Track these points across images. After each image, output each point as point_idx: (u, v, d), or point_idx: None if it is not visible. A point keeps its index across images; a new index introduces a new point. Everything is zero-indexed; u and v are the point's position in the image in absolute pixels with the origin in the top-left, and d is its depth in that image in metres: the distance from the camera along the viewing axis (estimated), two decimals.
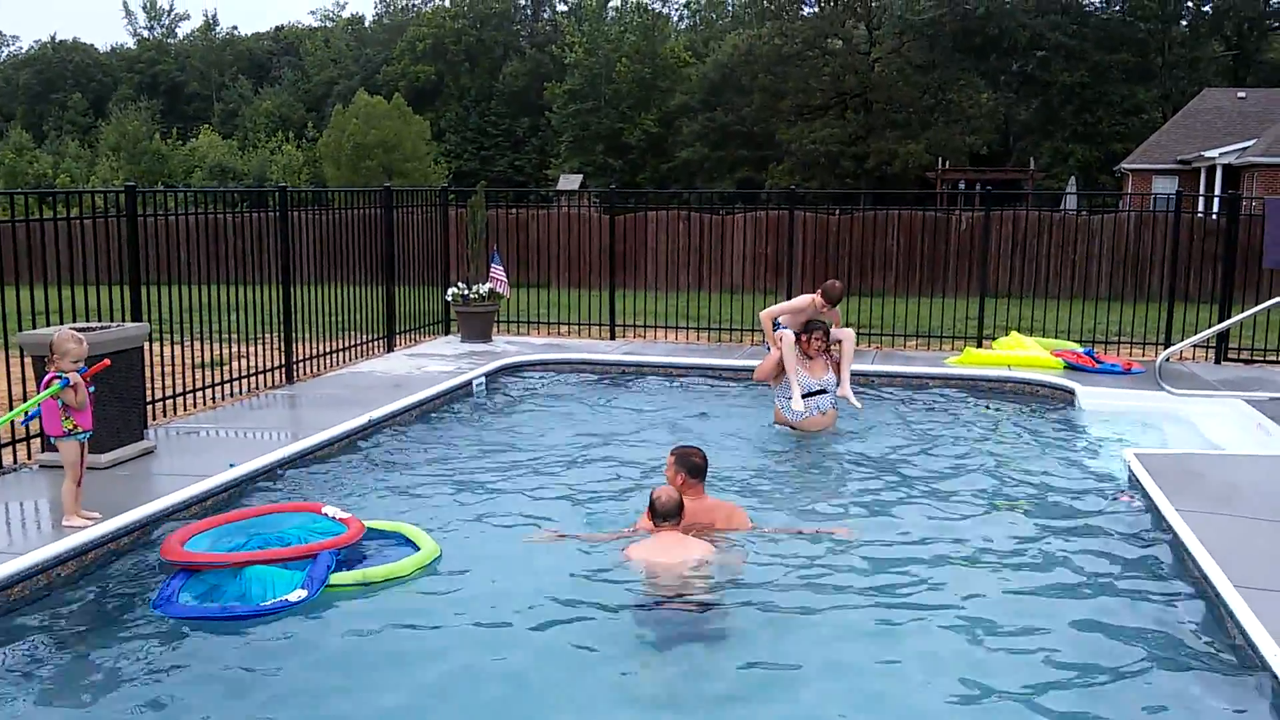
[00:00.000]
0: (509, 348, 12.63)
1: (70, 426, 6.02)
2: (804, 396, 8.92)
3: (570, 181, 44.73)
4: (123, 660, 4.67)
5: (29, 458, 7.28)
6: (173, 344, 9.61)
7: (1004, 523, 6.74)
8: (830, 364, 9.12)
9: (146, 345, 8.00)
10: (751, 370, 10.84)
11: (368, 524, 5.95)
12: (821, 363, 9.07)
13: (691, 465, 6.22)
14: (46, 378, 6.00)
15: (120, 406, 7.27)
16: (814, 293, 9.30)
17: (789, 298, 13.29)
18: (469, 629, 5.05)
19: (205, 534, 5.71)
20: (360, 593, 5.38)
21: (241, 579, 5.29)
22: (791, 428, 8.95)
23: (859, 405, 9.09)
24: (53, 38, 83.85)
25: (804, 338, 8.98)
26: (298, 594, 5.14)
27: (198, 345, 10.13)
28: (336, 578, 5.39)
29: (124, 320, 8.21)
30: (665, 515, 5.80)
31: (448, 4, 73.76)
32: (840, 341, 9.18)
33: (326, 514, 5.95)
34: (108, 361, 6.30)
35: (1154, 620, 5.19)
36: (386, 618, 5.13)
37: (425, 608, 5.27)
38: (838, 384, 9.09)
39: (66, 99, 76.35)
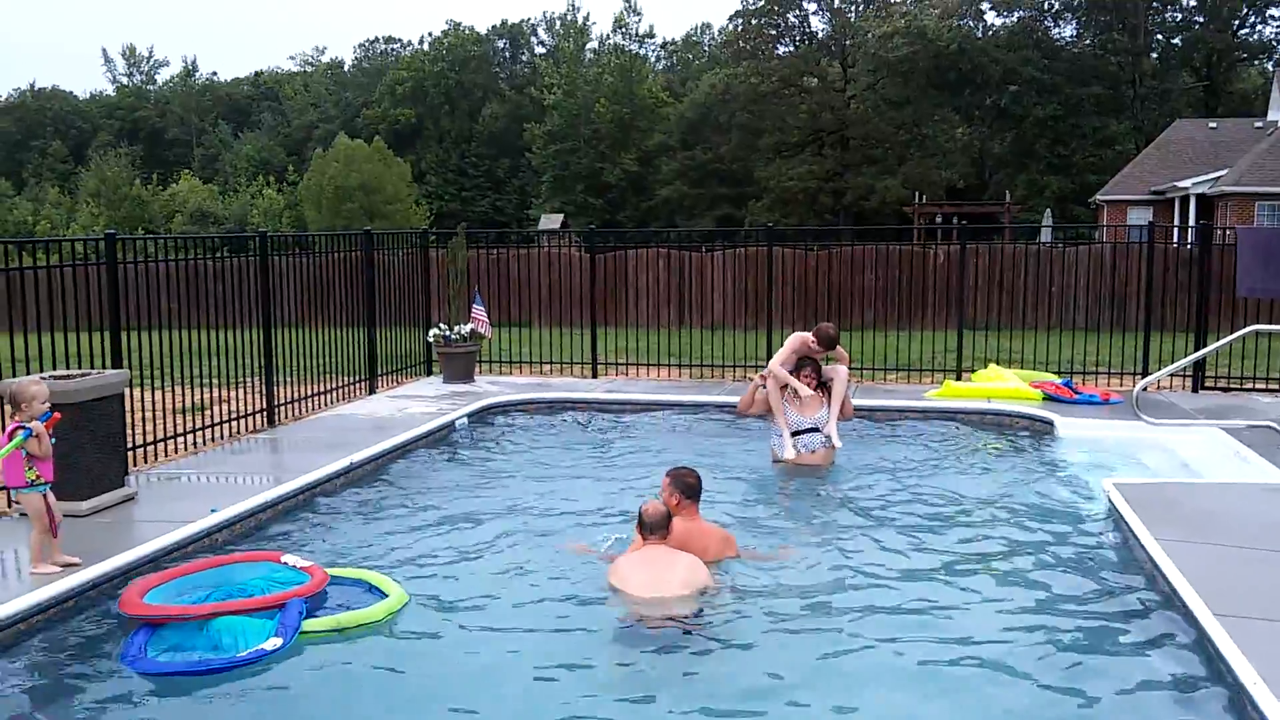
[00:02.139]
0: (491, 388, 12.64)
1: (33, 477, 5.97)
2: (795, 434, 8.97)
3: (551, 221, 44.97)
4: (96, 717, 4.60)
5: (9, 506, 7.23)
6: (154, 389, 9.59)
7: (984, 552, 6.77)
8: (824, 400, 9.15)
9: (127, 391, 7.99)
10: (733, 406, 10.93)
11: (331, 572, 5.88)
12: (816, 400, 9.10)
13: (686, 486, 6.26)
14: (9, 429, 5.96)
15: (101, 453, 7.25)
16: (808, 332, 9.27)
17: (769, 334, 13.40)
18: (446, 673, 5.05)
19: (164, 587, 5.58)
20: (334, 639, 5.31)
21: (210, 630, 5.18)
22: (783, 464, 8.97)
23: (838, 444, 9.12)
24: (31, 85, 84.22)
25: (796, 374, 9.04)
26: (273, 643, 5.06)
27: (179, 390, 10.11)
28: (309, 624, 5.31)
29: (104, 367, 8.20)
30: (652, 527, 5.83)
31: (427, 48, 74.36)
32: (834, 377, 9.22)
33: (286, 563, 5.87)
34: (58, 415, 6.19)
35: (1132, 648, 5.23)
36: (363, 664, 5.10)
37: (401, 653, 5.22)
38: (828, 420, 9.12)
39: (46, 146, 76.45)
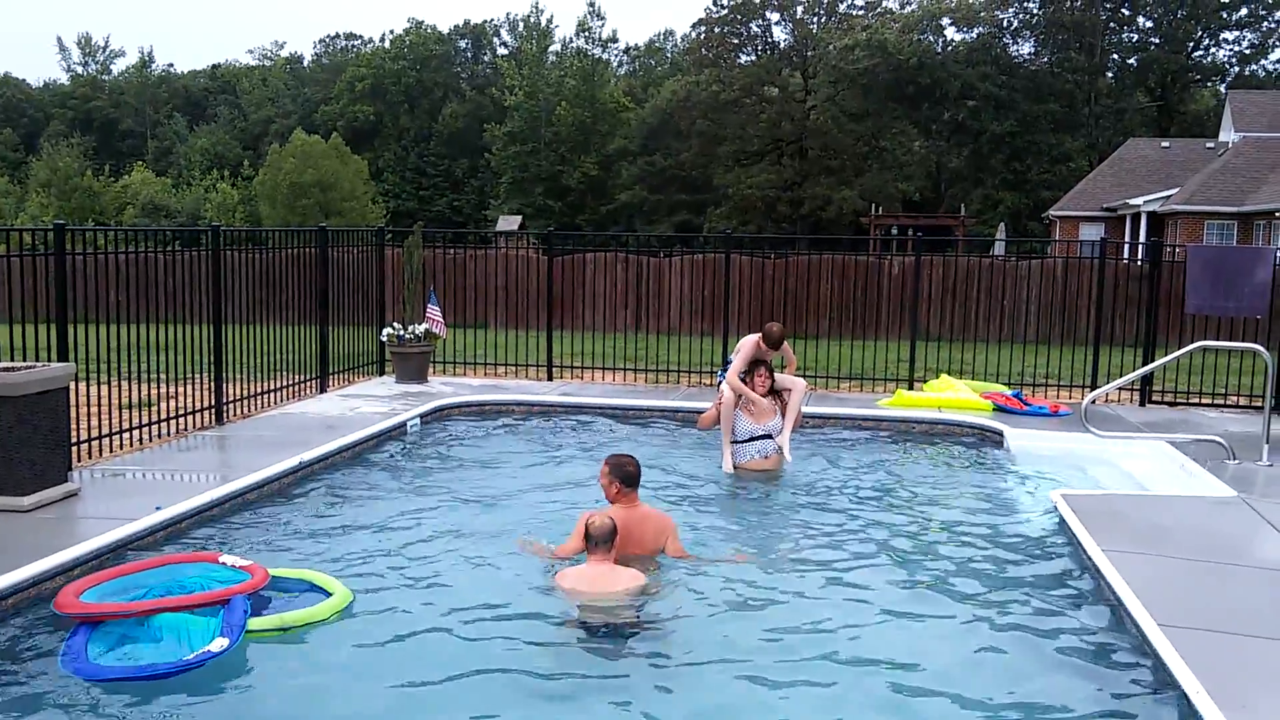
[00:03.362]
0: (444, 389, 12.55)
1: None
2: (744, 441, 9.00)
3: (509, 222, 44.82)
4: None
5: None
6: (101, 384, 9.42)
7: (930, 562, 6.80)
8: (778, 409, 9.18)
9: (73, 385, 7.84)
10: (691, 411, 10.95)
11: (272, 571, 5.76)
12: (769, 408, 9.12)
13: (625, 474, 6.29)
14: None
15: (44, 448, 7.10)
16: (757, 334, 9.32)
17: (725, 339, 13.43)
18: (392, 672, 4.99)
19: (100, 586, 5.43)
20: (279, 639, 5.22)
21: (151, 628, 5.06)
22: (736, 470, 8.99)
23: (788, 459, 9.16)
24: None
25: (748, 379, 9.07)
26: (219, 643, 4.93)
27: (127, 385, 9.94)
28: (254, 624, 5.19)
29: (50, 360, 8.04)
30: (598, 541, 5.83)
31: (388, 45, 73.89)
32: (792, 390, 9.25)
33: (224, 563, 5.75)
34: None
35: (1079, 657, 5.28)
36: (309, 664, 5.04)
37: (346, 652, 5.17)
38: (783, 428, 9.16)
39: None
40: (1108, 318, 13.05)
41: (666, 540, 6.40)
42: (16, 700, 4.62)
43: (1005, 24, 54.01)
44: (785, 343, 9.45)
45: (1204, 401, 12.41)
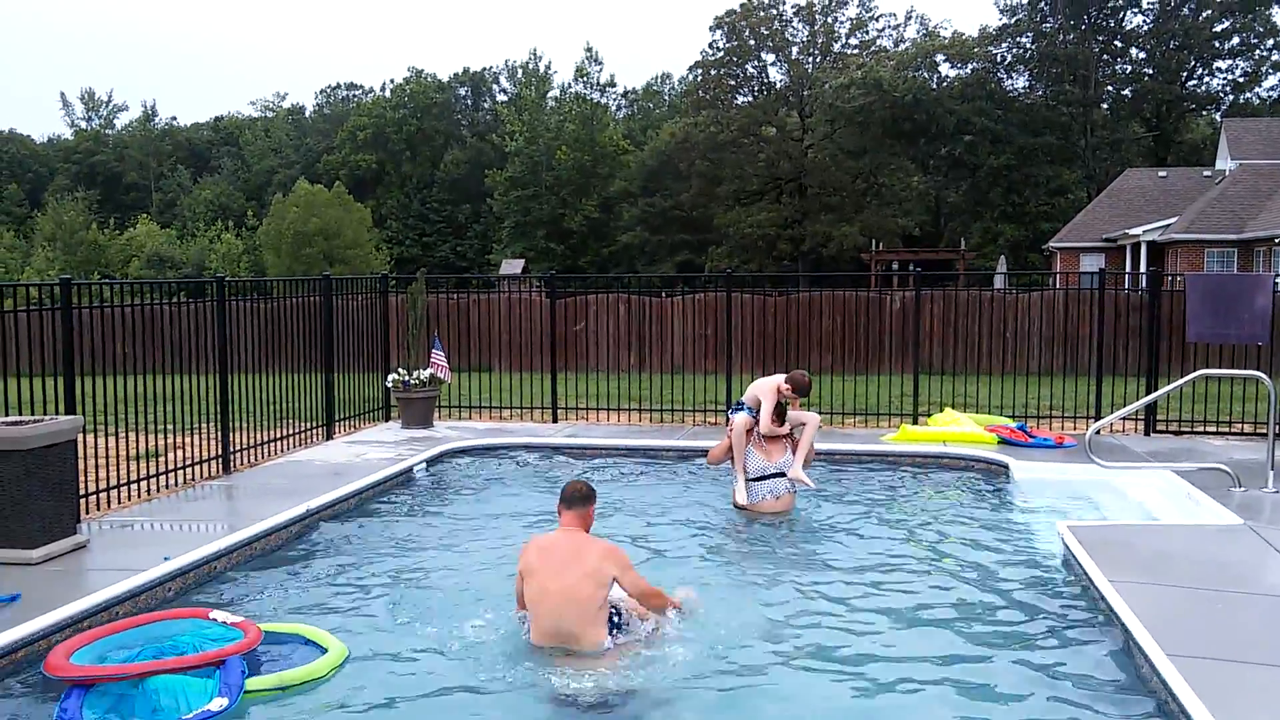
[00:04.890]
0: (450, 433, 12.60)
1: None
2: (755, 480, 8.98)
3: (513, 266, 45.02)
4: None
5: None
6: (108, 435, 9.47)
7: (936, 595, 6.80)
8: (790, 446, 9.17)
9: (81, 437, 7.89)
10: (696, 450, 10.97)
11: (265, 626, 5.68)
12: (781, 445, 9.12)
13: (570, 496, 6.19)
14: None
15: (52, 500, 7.14)
16: (778, 377, 9.24)
17: (729, 378, 13.47)
18: None
19: (90, 647, 5.31)
20: (276, 698, 5.15)
21: (146, 691, 4.95)
22: (747, 510, 8.98)
23: (810, 484, 9.14)
24: None
25: (758, 420, 9.05)
26: (219, 703, 4.85)
27: (134, 436, 9.98)
28: (251, 683, 5.10)
29: (58, 412, 8.10)
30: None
31: (389, 94, 74.55)
32: (806, 424, 9.23)
33: (214, 619, 5.68)
34: None
35: (1086, 688, 5.27)
36: None
37: (344, 711, 5.10)
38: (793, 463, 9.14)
39: (2, 190, 75.64)
40: (1109, 347, 13.08)
41: (608, 566, 5.81)
42: None
43: (999, 59, 54.44)
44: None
45: (1209, 430, 12.41)
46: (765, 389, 9.08)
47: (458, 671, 5.51)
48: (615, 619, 5.73)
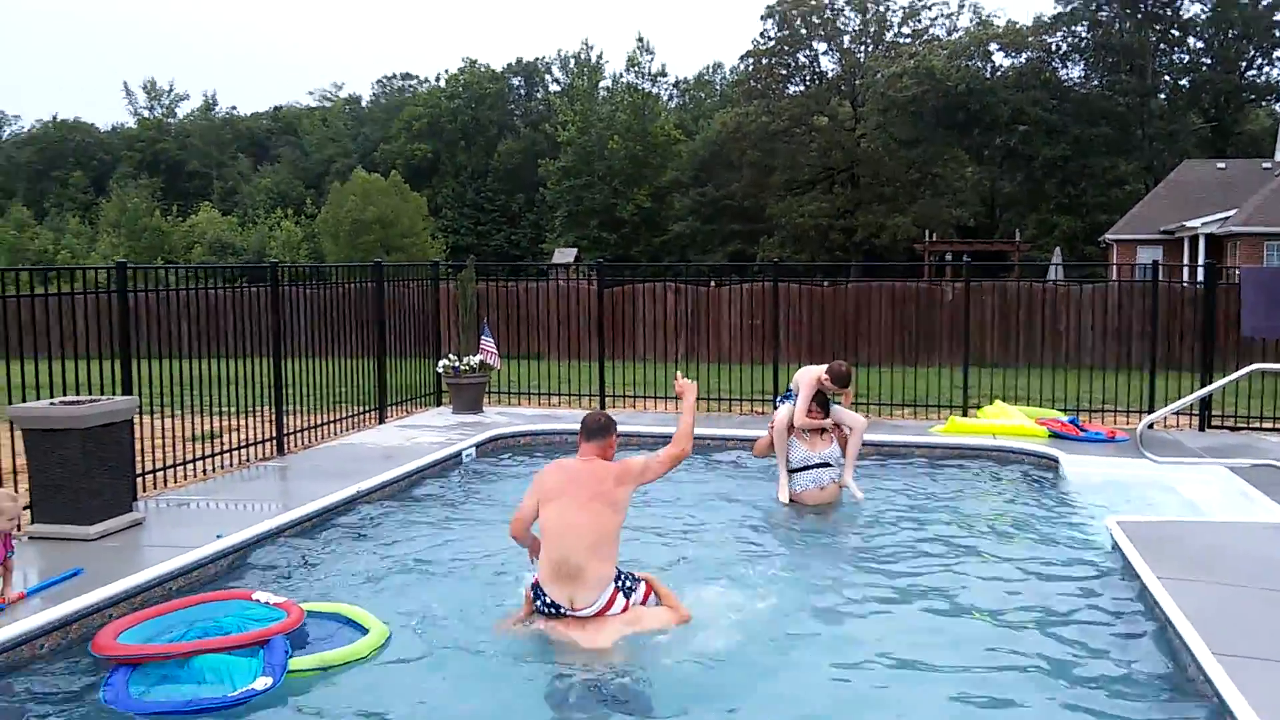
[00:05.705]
0: (499, 418, 12.71)
1: None
2: (799, 470, 8.98)
3: (565, 255, 45.25)
4: None
5: (19, 530, 7.29)
6: (166, 417, 9.68)
7: (981, 589, 6.77)
8: (836, 438, 9.15)
9: (139, 418, 8.08)
10: (740, 439, 10.98)
11: (306, 607, 5.78)
12: (826, 437, 9.09)
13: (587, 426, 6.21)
14: None
15: (109, 478, 7.33)
16: (819, 368, 9.19)
17: (775, 367, 13.45)
18: (429, 713, 5.01)
19: (135, 629, 5.44)
20: (318, 678, 5.24)
21: (192, 670, 5.07)
22: (791, 500, 8.97)
23: (860, 495, 9.11)
24: (54, 117, 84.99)
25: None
26: (263, 681, 4.95)
27: (191, 418, 10.18)
28: (294, 663, 5.21)
29: (115, 393, 8.30)
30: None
31: (443, 84, 74.96)
32: (852, 429, 9.18)
33: (258, 599, 5.78)
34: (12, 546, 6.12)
35: (1132, 685, 5.23)
36: (348, 704, 5.05)
37: (385, 691, 5.17)
38: (842, 457, 9.13)
39: (67, 176, 77.08)
40: (1163, 341, 12.89)
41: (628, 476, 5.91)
42: None
43: (1054, 48, 53.56)
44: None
45: (1264, 426, 12.19)
46: (805, 379, 9.08)
47: (495, 655, 5.55)
48: (628, 584, 5.75)
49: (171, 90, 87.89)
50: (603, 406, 13.76)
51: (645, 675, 5.27)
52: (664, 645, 5.57)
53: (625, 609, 5.66)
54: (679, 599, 5.95)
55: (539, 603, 5.69)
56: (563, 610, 5.59)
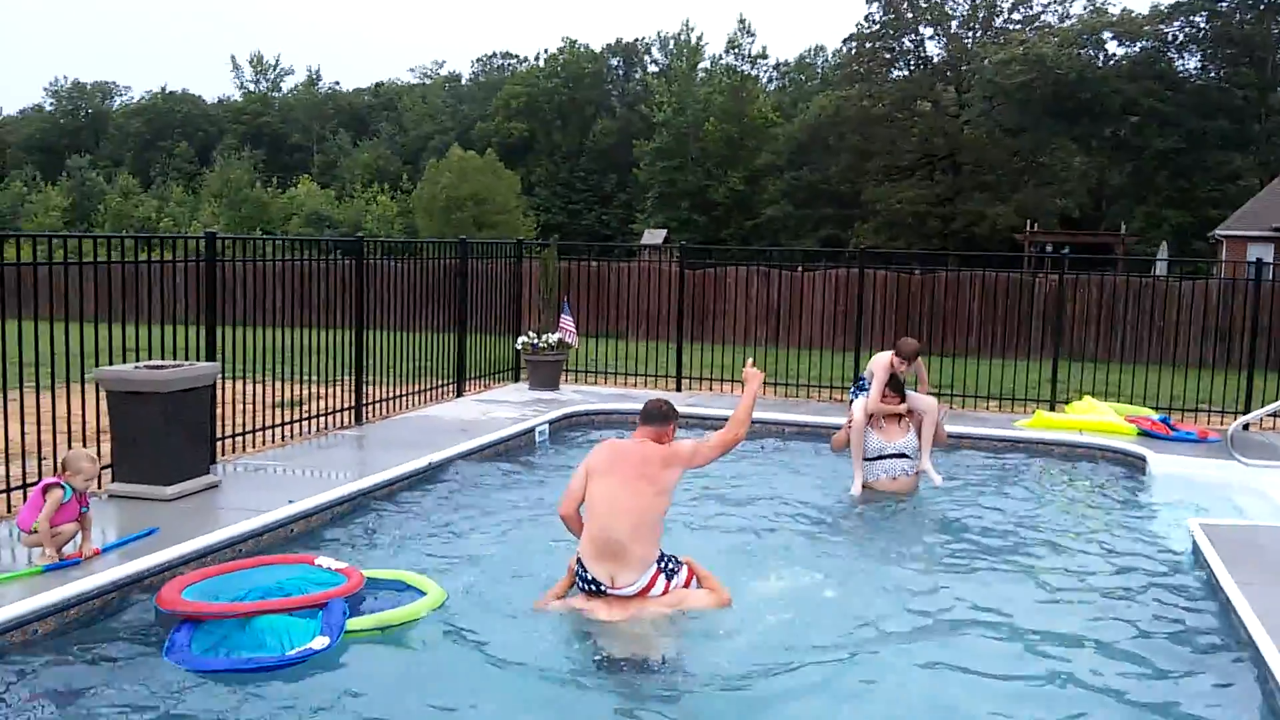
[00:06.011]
0: (575, 396, 12.76)
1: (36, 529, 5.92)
2: (873, 459, 8.87)
3: (655, 236, 45.19)
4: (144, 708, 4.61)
5: (99, 487, 7.53)
6: (251, 384, 9.90)
7: (1057, 587, 6.61)
8: (913, 426, 9.02)
9: (220, 383, 8.28)
10: (815, 425, 10.89)
11: (366, 573, 5.84)
12: (901, 426, 8.97)
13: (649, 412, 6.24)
14: (47, 483, 6.00)
15: (188, 442, 7.52)
16: (889, 352, 9.12)
17: (857, 355, 13.26)
18: (485, 673, 5.05)
19: (199, 585, 5.58)
20: (376, 639, 5.33)
21: (252, 630, 5.18)
22: (865, 489, 8.85)
23: (938, 480, 8.97)
24: (163, 89, 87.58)
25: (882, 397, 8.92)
26: (320, 641, 5.06)
27: (276, 386, 10.41)
28: (352, 624, 5.31)
29: (199, 359, 8.51)
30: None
31: (542, 64, 75.38)
32: (924, 414, 9.04)
33: (320, 564, 5.88)
34: (88, 502, 6.19)
35: (1202, 691, 5.06)
36: (405, 664, 5.14)
37: (441, 652, 5.25)
38: (919, 447, 9.00)
39: (174, 147, 79.44)
40: (1269, 343, 12.41)
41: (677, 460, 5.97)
42: (126, 684, 4.80)
43: (1170, 38, 51.75)
44: (919, 359, 9.26)
45: None
46: (878, 365, 8.97)
47: (544, 628, 5.58)
48: (670, 566, 5.72)
49: (277, 65, 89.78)
50: (679, 389, 13.73)
51: (685, 663, 5.25)
52: (706, 631, 5.54)
53: (665, 591, 5.63)
54: (724, 586, 5.88)
55: (580, 579, 5.69)
56: (603, 588, 5.58)
